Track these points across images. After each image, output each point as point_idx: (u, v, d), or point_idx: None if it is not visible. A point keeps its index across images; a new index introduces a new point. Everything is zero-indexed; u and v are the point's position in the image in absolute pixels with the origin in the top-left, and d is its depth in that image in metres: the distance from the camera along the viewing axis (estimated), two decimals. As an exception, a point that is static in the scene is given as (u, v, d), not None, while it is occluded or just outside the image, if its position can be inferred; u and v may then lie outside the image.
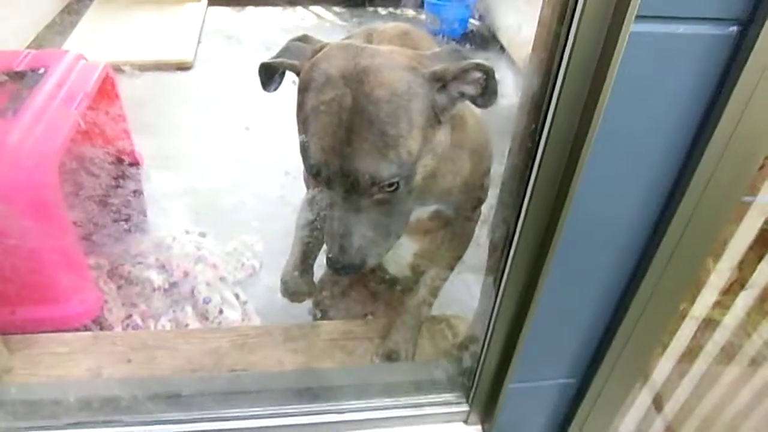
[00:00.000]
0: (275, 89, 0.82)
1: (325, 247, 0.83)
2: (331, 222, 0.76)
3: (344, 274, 0.80)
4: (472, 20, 3.38)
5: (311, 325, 1.09)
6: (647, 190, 0.70)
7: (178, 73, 2.93)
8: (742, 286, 1.06)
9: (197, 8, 3.39)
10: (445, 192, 0.92)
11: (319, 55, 0.76)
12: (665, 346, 1.10)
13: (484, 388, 0.90)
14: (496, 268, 0.80)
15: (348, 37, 0.90)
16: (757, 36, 0.56)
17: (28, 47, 2.72)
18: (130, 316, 1.65)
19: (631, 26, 0.52)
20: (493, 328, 0.82)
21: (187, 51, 3.00)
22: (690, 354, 1.15)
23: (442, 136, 0.78)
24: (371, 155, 0.70)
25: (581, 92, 0.58)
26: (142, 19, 3.29)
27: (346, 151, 0.70)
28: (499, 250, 0.77)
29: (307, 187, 0.99)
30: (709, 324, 1.10)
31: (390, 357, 1.04)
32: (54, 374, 0.99)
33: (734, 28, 0.58)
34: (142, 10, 3.34)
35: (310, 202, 0.99)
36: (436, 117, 0.75)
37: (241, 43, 3.16)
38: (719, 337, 1.14)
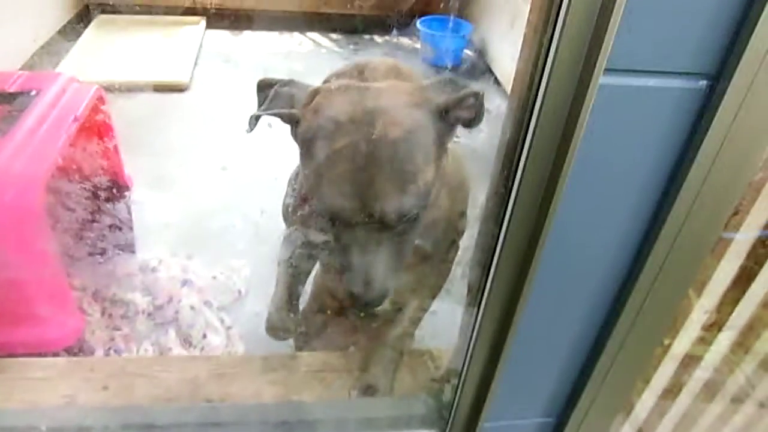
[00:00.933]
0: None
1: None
2: (350, 258, 0.76)
3: (366, 309, 0.80)
4: (466, 51, 3.43)
5: (290, 356, 1.09)
6: (622, 232, 0.71)
7: (174, 94, 2.96)
8: (720, 328, 1.07)
9: (195, 31, 3.43)
10: (426, 226, 0.93)
11: (319, 100, 0.75)
12: (647, 382, 1.10)
13: (459, 425, 0.90)
14: (473, 304, 0.80)
15: (338, 73, 0.87)
16: (725, 90, 0.58)
17: (23, 67, 2.74)
18: (112, 339, 1.64)
19: (600, 78, 0.54)
20: (469, 364, 0.82)
21: (183, 73, 3.03)
22: (673, 390, 1.15)
23: (445, 161, 0.80)
24: (394, 193, 0.71)
25: (553, 139, 0.59)
26: (140, 40, 3.32)
27: (367, 194, 0.71)
28: (475, 289, 0.78)
29: (287, 224, 1.00)
30: (691, 360, 1.11)
31: (367, 391, 1.03)
32: (28, 400, 0.98)
33: (704, 82, 0.60)
34: (140, 32, 3.37)
35: (290, 239, 1.00)
36: (442, 145, 0.77)
37: (238, 67, 3.20)
38: (701, 373, 1.14)
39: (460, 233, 0.99)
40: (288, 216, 0.99)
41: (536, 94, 0.58)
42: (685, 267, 0.74)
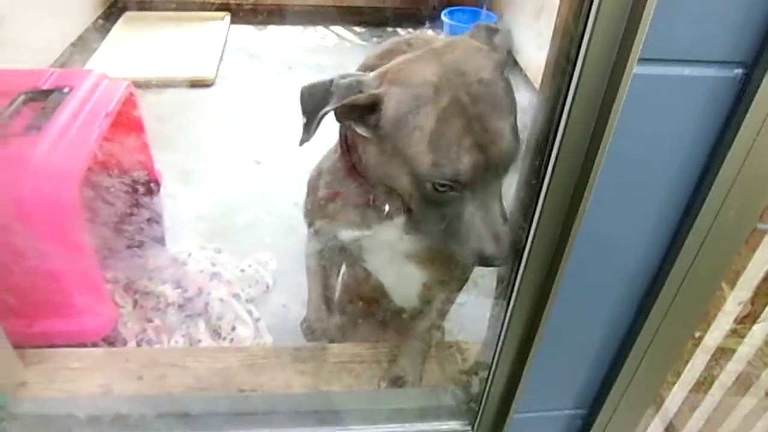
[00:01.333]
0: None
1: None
2: (474, 219, 0.73)
3: (498, 266, 0.77)
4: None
5: (320, 347, 1.10)
6: (654, 223, 0.71)
7: (200, 89, 2.99)
8: (754, 320, 1.05)
9: (220, 26, 3.46)
10: None
11: (396, 74, 0.73)
12: (678, 375, 1.09)
13: (490, 416, 0.90)
14: (503, 297, 0.81)
15: (381, 55, 0.82)
16: (762, 78, 0.57)
17: (54, 64, 2.80)
18: (144, 330, 1.68)
19: (634, 68, 0.53)
20: (499, 357, 0.83)
21: (209, 68, 3.06)
22: (704, 384, 1.14)
23: None
24: (508, 131, 0.71)
25: (586, 130, 0.59)
26: (166, 36, 3.36)
27: (486, 140, 0.69)
28: (505, 280, 0.78)
29: (309, 226, 1.00)
30: (723, 353, 1.09)
31: (396, 382, 1.04)
32: (67, 389, 1.01)
33: (739, 71, 0.59)
34: (167, 28, 3.41)
35: (315, 239, 1.00)
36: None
37: (263, 62, 3.22)
38: (734, 366, 1.13)
39: None
40: (310, 216, 0.98)
41: (568, 86, 0.58)
42: (718, 259, 0.73)
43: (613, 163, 0.61)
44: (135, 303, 1.74)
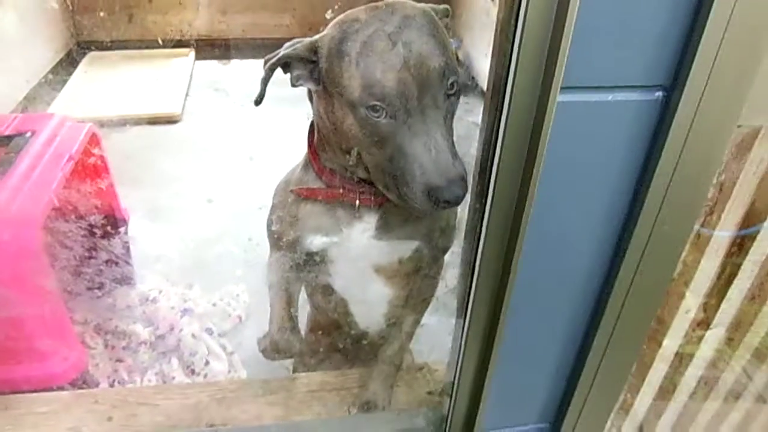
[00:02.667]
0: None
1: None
2: (418, 148, 0.74)
3: (453, 201, 0.74)
4: (453, 67, 3.47)
5: (289, 378, 1.11)
6: (596, 237, 0.74)
7: (167, 126, 3.00)
8: (708, 326, 1.09)
9: (185, 62, 3.49)
10: (432, 223, 0.97)
11: (333, 24, 0.80)
12: (643, 379, 1.12)
13: (456, 435, 0.92)
14: (461, 316, 0.83)
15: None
16: (679, 99, 0.61)
17: (18, 108, 2.79)
18: (116, 370, 1.67)
19: (558, 96, 0.57)
20: (460, 375, 0.85)
21: (175, 104, 3.08)
22: (669, 389, 1.17)
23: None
24: (435, 52, 0.75)
25: (520, 156, 0.62)
26: (131, 74, 3.37)
27: (412, 60, 0.73)
28: (461, 302, 0.81)
29: (272, 249, 1.02)
30: (683, 359, 1.13)
31: (366, 407, 1.05)
32: (35, 435, 1.00)
33: (659, 94, 0.63)
34: (131, 66, 3.42)
35: (277, 262, 1.02)
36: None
37: (228, 95, 3.24)
38: (694, 371, 1.16)
39: (450, 243, 1.01)
40: (277, 227, 1.00)
41: (500, 114, 0.61)
42: (660, 268, 0.77)
43: (549, 185, 0.65)
44: (106, 344, 1.73)
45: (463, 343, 0.81)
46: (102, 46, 3.53)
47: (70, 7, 3.48)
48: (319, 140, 0.92)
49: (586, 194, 0.69)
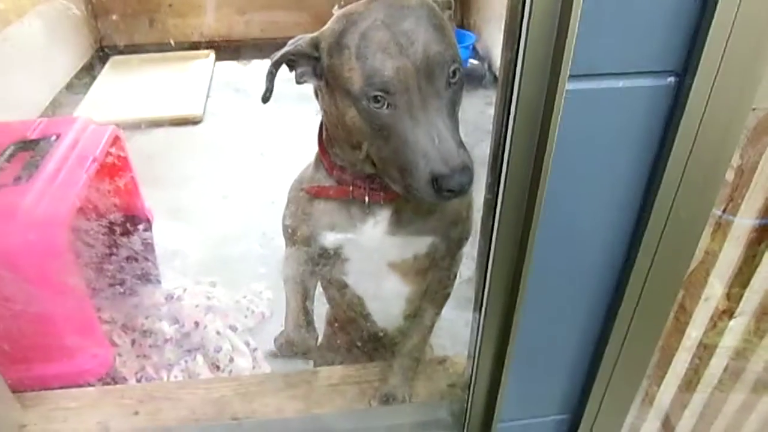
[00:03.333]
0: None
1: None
2: (418, 138, 0.74)
3: (458, 190, 0.74)
4: (471, 60, 3.47)
5: (310, 372, 1.12)
6: (611, 224, 0.74)
7: (189, 127, 3.05)
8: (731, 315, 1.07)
9: (206, 64, 3.53)
10: (445, 218, 0.97)
11: (334, 20, 0.80)
12: (666, 370, 1.11)
13: (475, 427, 0.92)
14: (477, 310, 0.83)
15: None
16: (691, 84, 0.61)
17: (44, 113, 2.86)
18: (143, 368, 1.70)
19: (567, 84, 0.57)
20: (478, 367, 0.85)
21: (196, 106, 3.12)
22: (692, 380, 1.16)
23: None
24: (434, 40, 0.75)
25: (530, 145, 0.62)
26: (153, 77, 3.43)
27: (411, 47, 0.74)
28: (478, 294, 0.81)
29: (290, 236, 1.03)
30: (706, 349, 1.12)
31: (387, 400, 1.06)
32: (65, 429, 1.03)
33: (672, 79, 0.62)
34: (153, 68, 3.48)
35: (293, 258, 1.03)
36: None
37: (249, 96, 3.27)
38: (718, 361, 1.15)
39: (471, 224, 1.01)
40: (291, 224, 1.01)
41: (510, 104, 0.61)
42: (677, 256, 0.76)
43: (561, 175, 0.65)
44: (133, 342, 1.77)
45: (479, 335, 0.82)
46: (124, 50, 3.59)
47: (93, 14, 3.54)
48: (327, 138, 0.93)
49: (600, 183, 0.69)
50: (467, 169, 0.74)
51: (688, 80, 0.61)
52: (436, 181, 0.74)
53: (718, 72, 0.60)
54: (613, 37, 0.58)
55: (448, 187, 0.74)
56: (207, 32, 3.76)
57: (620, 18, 0.58)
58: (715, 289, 1.01)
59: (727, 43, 0.58)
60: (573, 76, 0.57)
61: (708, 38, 0.58)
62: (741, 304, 1.05)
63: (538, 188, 0.64)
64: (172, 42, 3.59)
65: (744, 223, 0.93)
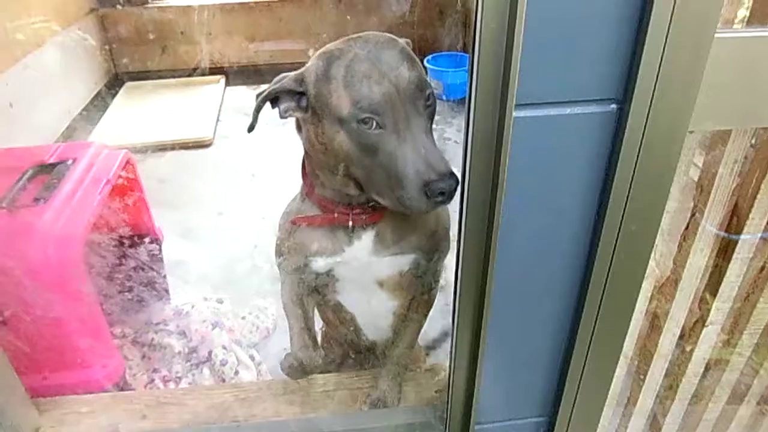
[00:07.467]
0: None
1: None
2: (407, 152, 0.84)
3: (448, 193, 0.85)
4: (473, 83, 3.56)
5: (307, 379, 1.20)
6: (568, 238, 0.80)
7: (200, 150, 3.15)
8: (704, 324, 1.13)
9: (216, 89, 3.66)
10: (424, 236, 1.05)
11: (318, 55, 0.90)
12: (644, 375, 1.16)
13: (455, 429, 0.99)
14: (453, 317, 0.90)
15: None
16: (629, 111, 0.68)
17: (61, 137, 2.98)
18: (152, 381, 1.78)
19: (514, 113, 0.65)
20: (454, 372, 0.92)
21: (206, 129, 3.23)
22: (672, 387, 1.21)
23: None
24: (411, 66, 0.87)
25: (486, 168, 0.70)
26: (165, 102, 3.56)
27: (392, 73, 0.85)
28: (454, 301, 0.88)
29: (282, 275, 1.11)
30: (682, 354, 1.17)
31: (377, 404, 1.13)
32: (77, 431, 1.11)
33: (614, 106, 0.70)
34: (165, 94, 3.61)
35: (290, 286, 1.11)
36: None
37: (258, 120, 3.39)
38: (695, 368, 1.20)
39: (449, 242, 1.09)
40: (283, 253, 1.09)
41: (468, 128, 0.69)
42: (632, 263, 0.82)
43: (516, 195, 0.72)
44: (143, 355, 1.85)
45: (455, 341, 0.89)
46: (137, 77, 3.73)
47: (108, 42, 3.69)
48: (311, 170, 1.01)
49: (555, 202, 0.76)
50: (453, 174, 0.84)
51: (627, 107, 0.69)
52: (427, 186, 0.84)
53: (653, 98, 0.68)
54: (556, 69, 0.66)
55: (440, 189, 0.83)
56: (217, 59, 3.89)
57: (562, 50, 0.66)
58: (687, 298, 1.08)
59: (659, 71, 0.66)
60: (520, 105, 0.65)
61: (641, 67, 0.66)
62: (711, 314, 1.11)
63: (496, 208, 0.71)
64: (173, 69, 3.72)
65: (712, 232, 0.99)
